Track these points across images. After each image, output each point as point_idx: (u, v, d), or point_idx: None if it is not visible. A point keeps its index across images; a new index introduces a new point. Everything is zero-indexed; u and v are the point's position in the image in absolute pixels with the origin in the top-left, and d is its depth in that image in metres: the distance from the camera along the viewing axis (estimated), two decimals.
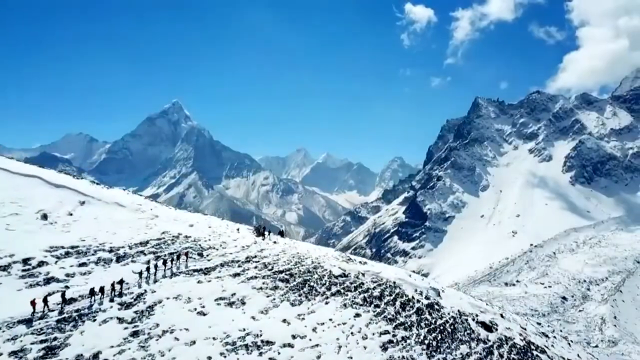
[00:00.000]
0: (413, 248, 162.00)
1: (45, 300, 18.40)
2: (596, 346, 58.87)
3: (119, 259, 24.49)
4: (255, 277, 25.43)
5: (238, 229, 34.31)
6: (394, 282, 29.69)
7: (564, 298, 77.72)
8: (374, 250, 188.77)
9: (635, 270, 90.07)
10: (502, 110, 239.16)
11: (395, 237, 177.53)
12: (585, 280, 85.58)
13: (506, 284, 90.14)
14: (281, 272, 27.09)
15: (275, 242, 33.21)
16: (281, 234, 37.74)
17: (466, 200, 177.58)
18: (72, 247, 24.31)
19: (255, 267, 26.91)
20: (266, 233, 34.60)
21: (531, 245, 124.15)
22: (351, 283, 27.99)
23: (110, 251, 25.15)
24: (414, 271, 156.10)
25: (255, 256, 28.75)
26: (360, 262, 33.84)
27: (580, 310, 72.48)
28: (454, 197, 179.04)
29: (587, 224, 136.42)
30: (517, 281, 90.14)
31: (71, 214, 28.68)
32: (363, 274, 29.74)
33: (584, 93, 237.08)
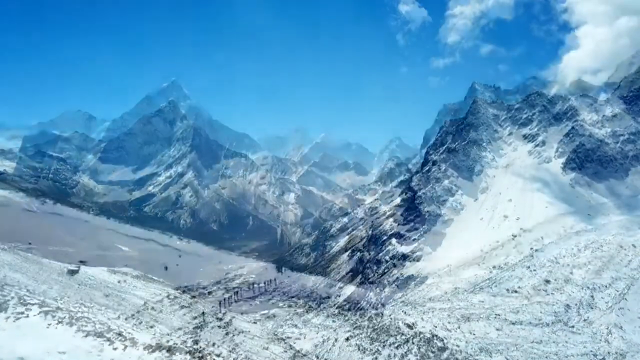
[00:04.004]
0: (412, 251, 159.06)
1: None
2: (603, 359, 56.50)
3: None
4: None
5: None
6: None
7: (567, 306, 75.34)
8: (371, 253, 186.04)
9: (639, 276, 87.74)
10: (502, 111, 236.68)
11: (394, 240, 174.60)
12: (588, 287, 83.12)
13: (507, 290, 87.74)
14: None
15: None
16: None
17: (465, 203, 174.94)
18: None
19: None
20: None
21: (531, 249, 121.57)
22: None
23: None
24: (412, 275, 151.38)
25: None
26: None
27: (584, 320, 70.10)
28: (453, 199, 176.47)
29: (588, 227, 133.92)
30: (519, 287, 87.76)
31: None
32: None
33: (583, 94, 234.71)
